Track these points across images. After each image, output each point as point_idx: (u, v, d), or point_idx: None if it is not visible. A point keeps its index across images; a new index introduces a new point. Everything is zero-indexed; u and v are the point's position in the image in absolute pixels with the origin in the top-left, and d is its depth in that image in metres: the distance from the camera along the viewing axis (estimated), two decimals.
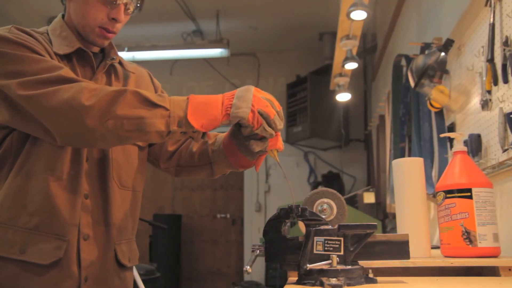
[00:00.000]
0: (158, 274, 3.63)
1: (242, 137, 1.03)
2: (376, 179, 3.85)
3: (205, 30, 4.95)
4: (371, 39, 4.81)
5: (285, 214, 0.88)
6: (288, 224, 0.91)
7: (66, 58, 1.10)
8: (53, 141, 0.98)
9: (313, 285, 0.80)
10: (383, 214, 3.57)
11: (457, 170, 1.12)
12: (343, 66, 3.17)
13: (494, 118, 1.47)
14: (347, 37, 2.90)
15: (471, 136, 1.58)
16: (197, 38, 5.01)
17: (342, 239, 0.84)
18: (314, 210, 0.97)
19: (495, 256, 1.06)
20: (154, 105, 0.94)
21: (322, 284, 0.78)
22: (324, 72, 4.77)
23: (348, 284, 0.79)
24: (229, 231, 5.63)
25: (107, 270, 1.09)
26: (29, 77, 0.96)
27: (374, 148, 4.13)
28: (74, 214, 1.04)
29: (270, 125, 0.97)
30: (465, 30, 1.77)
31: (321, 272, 0.80)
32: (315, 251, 0.84)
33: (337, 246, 0.84)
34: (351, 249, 0.83)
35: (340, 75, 3.58)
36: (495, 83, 1.45)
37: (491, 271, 1.00)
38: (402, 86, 2.59)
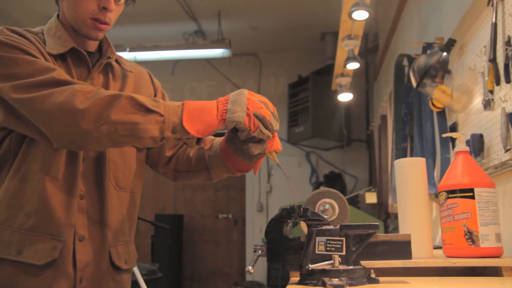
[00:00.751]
0: (160, 274, 3.63)
1: (239, 141, 1.03)
2: (378, 179, 3.84)
3: (207, 30, 4.96)
4: (373, 39, 4.80)
5: (287, 214, 0.87)
6: (290, 224, 0.91)
7: (61, 58, 1.09)
8: (49, 144, 0.98)
9: (315, 285, 0.80)
10: (385, 214, 3.56)
11: (459, 170, 1.11)
12: (345, 66, 3.17)
13: (496, 118, 1.46)
14: (349, 37, 2.90)
15: (473, 136, 1.58)
16: (199, 38, 5.01)
17: (344, 239, 0.84)
18: (316, 210, 0.97)
19: (498, 256, 1.06)
20: (149, 111, 0.94)
21: (324, 284, 0.78)
22: (326, 72, 4.76)
23: (350, 284, 0.79)
24: (231, 231, 5.63)
25: (102, 272, 1.09)
26: (22, 80, 0.95)
27: (376, 148, 4.12)
28: (70, 215, 1.04)
29: (266, 127, 0.98)
30: (467, 30, 1.77)
31: (323, 272, 0.80)
32: (317, 251, 0.84)
33: (339, 246, 0.84)
34: (353, 249, 0.83)
35: (342, 75, 3.58)
36: (497, 83, 1.45)
37: (494, 271, 1.00)
38: (404, 86, 2.59)
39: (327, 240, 0.84)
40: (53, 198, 1.02)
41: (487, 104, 1.52)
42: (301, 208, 0.86)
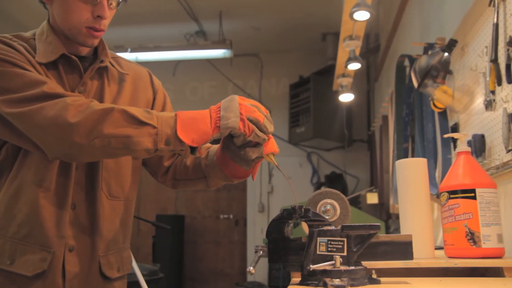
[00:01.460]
0: (161, 274, 3.63)
1: (235, 147, 1.02)
2: (379, 179, 3.84)
3: (208, 31, 4.96)
4: (374, 40, 4.80)
5: (288, 215, 0.87)
6: (291, 225, 0.91)
7: (52, 65, 1.07)
8: (43, 155, 0.97)
9: (317, 285, 0.80)
10: (387, 215, 3.56)
11: (460, 171, 1.11)
12: (346, 66, 3.17)
13: (498, 118, 1.46)
14: (350, 37, 2.90)
15: (474, 136, 1.57)
16: (200, 39, 5.02)
17: (345, 239, 0.84)
18: (317, 211, 0.97)
19: (499, 257, 1.06)
20: (142, 123, 0.94)
21: (325, 284, 0.78)
22: (327, 72, 4.76)
23: (352, 285, 0.79)
24: (232, 231, 5.63)
25: (91, 283, 1.08)
26: (12, 94, 0.95)
27: (377, 148, 4.12)
28: (61, 226, 1.03)
29: (261, 130, 0.97)
30: (469, 30, 1.77)
31: (324, 272, 0.80)
32: (318, 252, 0.84)
33: (340, 246, 0.83)
34: (354, 249, 0.83)
35: (343, 75, 3.58)
36: (499, 83, 1.45)
37: (496, 272, 1.00)
38: (405, 86, 2.58)
39: (328, 240, 0.84)
40: (44, 209, 1.02)
41: (489, 105, 1.51)
42: (302, 209, 0.86)
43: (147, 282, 2.74)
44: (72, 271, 1.04)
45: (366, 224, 0.83)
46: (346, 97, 3.83)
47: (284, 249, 0.87)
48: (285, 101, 5.39)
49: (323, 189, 1.02)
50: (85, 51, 1.14)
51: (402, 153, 2.64)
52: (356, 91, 4.00)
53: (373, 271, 0.85)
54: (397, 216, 3.18)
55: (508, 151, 1.37)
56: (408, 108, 2.53)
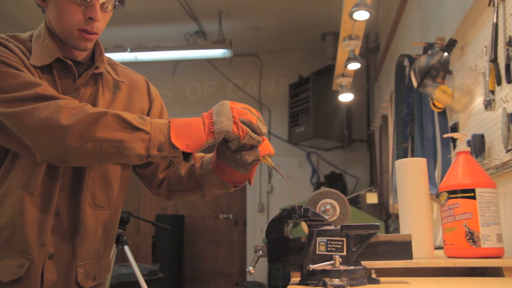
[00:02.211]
0: (161, 274, 3.63)
1: (231, 153, 1.02)
2: (379, 179, 3.84)
3: (208, 31, 4.96)
4: (374, 39, 4.80)
5: (288, 214, 0.87)
6: (291, 224, 0.91)
7: (46, 69, 1.06)
8: (33, 158, 0.96)
9: (316, 285, 0.80)
10: (386, 215, 3.56)
11: (460, 171, 1.11)
12: (345, 66, 3.17)
13: (497, 118, 1.46)
14: (350, 37, 2.90)
15: (474, 136, 1.57)
16: (200, 39, 5.02)
17: (344, 239, 0.84)
18: (317, 211, 0.97)
19: (499, 257, 1.06)
20: (135, 128, 0.93)
21: (325, 284, 0.78)
22: (327, 72, 4.76)
23: (351, 285, 0.79)
24: (232, 231, 5.63)
25: None
26: (6, 94, 0.94)
27: (377, 148, 4.12)
28: (42, 233, 1.02)
29: (255, 131, 0.97)
30: (468, 30, 1.77)
31: (324, 272, 0.80)
32: (317, 252, 0.84)
33: (340, 246, 0.83)
34: (354, 249, 0.83)
35: (343, 75, 3.58)
36: (499, 83, 1.45)
37: (495, 272, 1.00)
38: (405, 86, 2.59)
39: (327, 240, 0.84)
40: (27, 214, 1.01)
41: (488, 105, 1.51)
42: (302, 209, 0.86)
43: (146, 282, 2.74)
44: (50, 279, 1.03)
45: (365, 224, 0.83)
46: (346, 97, 3.83)
47: (283, 249, 0.87)
48: (285, 101, 5.39)
49: (323, 189, 1.02)
50: (81, 55, 1.12)
51: (402, 153, 2.65)
52: (355, 91, 4.00)
53: (373, 271, 0.85)
54: (396, 216, 3.18)
55: (508, 151, 1.37)
56: (407, 108, 2.53)
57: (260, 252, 0.89)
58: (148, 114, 1.22)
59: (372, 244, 0.85)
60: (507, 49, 1.38)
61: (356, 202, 3.88)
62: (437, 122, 2.09)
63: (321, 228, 0.85)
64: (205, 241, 5.65)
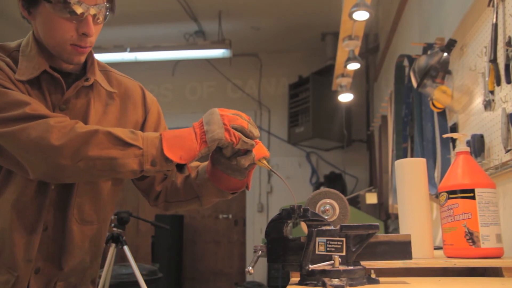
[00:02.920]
0: (161, 274, 3.63)
1: (226, 160, 1.01)
2: (379, 179, 3.84)
3: (207, 31, 4.96)
4: (373, 40, 4.80)
5: (287, 214, 0.87)
6: (290, 224, 0.91)
7: (34, 81, 1.02)
8: (26, 175, 0.96)
9: (315, 285, 0.80)
10: (386, 215, 3.56)
11: (460, 171, 1.11)
12: (345, 66, 3.17)
13: (497, 118, 1.46)
14: (349, 37, 2.90)
15: (474, 136, 1.57)
16: (199, 39, 5.01)
17: (344, 239, 0.84)
18: (316, 211, 0.97)
19: (498, 257, 1.06)
20: (127, 145, 0.93)
21: (324, 284, 0.78)
22: (326, 72, 4.76)
23: (350, 285, 0.79)
24: (231, 231, 5.63)
25: None
26: None
27: (377, 148, 4.12)
28: (30, 249, 1.02)
29: (247, 136, 0.96)
30: (468, 30, 1.77)
31: (323, 272, 0.80)
32: (317, 252, 0.84)
33: (339, 246, 0.83)
34: (353, 249, 0.83)
35: (342, 75, 3.58)
36: (498, 83, 1.45)
37: (494, 272, 1.00)
38: (404, 86, 2.59)
39: (327, 240, 0.84)
40: (16, 232, 1.01)
41: (488, 105, 1.51)
42: (301, 209, 0.86)
43: (146, 282, 2.74)
44: None
45: (365, 224, 0.83)
46: (345, 97, 3.83)
47: (283, 249, 0.87)
48: (284, 101, 5.38)
49: (322, 189, 1.02)
50: (70, 66, 1.09)
51: (401, 153, 2.65)
52: (355, 91, 4.00)
53: (372, 271, 0.85)
54: (396, 216, 3.18)
55: (507, 151, 1.37)
56: (407, 108, 2.53)
57: (260, 252, 0.89)
58: (143, 125, 1.19)
59: (372, 244, 0.85)
60: (507, 50, 1.38)
61: (355, 202, 3.88)
62: (437, 122, 2.09)
63: (320, 228, 0.85)
64: (205, 241, 5.65)
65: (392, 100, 2.96)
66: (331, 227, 0.85)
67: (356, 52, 3.11)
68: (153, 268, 3.60)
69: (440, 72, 1.85)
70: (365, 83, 5.21)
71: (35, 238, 1.02)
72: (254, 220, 5.32)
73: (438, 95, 1.89)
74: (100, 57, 5.15)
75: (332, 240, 0.84)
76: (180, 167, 0.98)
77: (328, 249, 0.84)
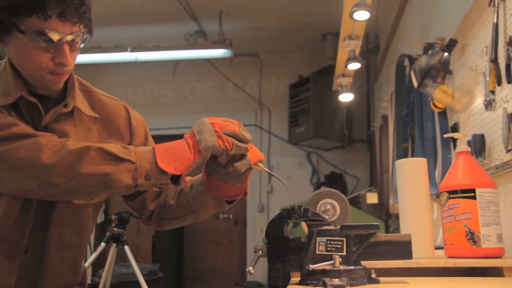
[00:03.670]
0: (161, 274, 3.63)
1: (222, 168, 1.00)
2: (379, 179, 3.84)
3: (208, 31, 4.96)
4: (374, 39, 4.80)
5: (287, 214, 0.87)
6: (291, 224, 0.91)
7: (13, 105, 0.99)
8: (19, 194, 0.95)
9: (316, 285, 0.80)
10: (386, 215, 3.56)
11: (460, 171, 1.11)
12: (346, 66, 3.17)
13: (497, 118, 1.46)
14: (350, 37, 2.89)
15: (474, 136, 1.57)
16: (200, 39, 5.01)
17: (344, 239, 0.84)
18: (317, 211, 0.97)
19: (499, 257, 1.06)
20: (120, 159, 0.92)
21: (324, 284, 0.78)
22: (327, 72, 4.76)
23: (351, 285, 0.79)
24: (232, 231, 5.63)
25: None
26: None
27: (377, 148, 4.12)
28: (10, 275, 1.01)
29: (240, 140, 0.96)
30: (469, 30, 1.77)
31: (324, 272, 0.80)
32: (317, 252, 0.84)
33: (340, 246, 0.83)
34: (354, 249, 0.83)
35: (343, 75, 3.57)
36: (499, 83, 1.45)
37: (495, 272, 1.00)
38: (405, 86, 2.58)
39: (327, 240, 0.84)
40: None
41: (489, 105, 1.51)
42: (301, 209, 0.86)
43: (146, 282, 2.74)
44: None
45: (365, 223, 0.83)
46: (346, 97, 3.83)
47: (283, 249, 0.87)
48: (285, 101, 5.38)
49: (323, 189, 1.01)
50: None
51: (402, 153, 2.64)
52: (356, 91, 4.00)
53: (372, 271, 0.85)
54: (397, 216, 3.18)
55: (508, 151, 1.36)
56: (408, 108, 2.53)
57: (260, 252, 0.89)
58: (129, 144, 1.16)
59: (372, 244, 0.85)
60: (508, 49, 1.38)
61: (356, 202, 3.88)
62: (437, 122, 2.09)
63: (320, 228, 0.85)
64: (205, 241, 5.65)
65: (393, 100, 2.96)
66: (332, 227, 0.85)
67: (357, 52, 3.10)
68: (153, 268, 3.60)
69: (440, 72, 1.85)
70: (365, 83, 5.21)
71: (16, 261, 1.02)
72: (255, 220, 5.32)
73: (439, 95, 1.88)
74: (100, 57, 5.15)
75: (333, 240, 0.84)
76: (175, 180, 0.97)
77: (328, 249, 0.83)
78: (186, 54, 4.77)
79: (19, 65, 0.99)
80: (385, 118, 3.67)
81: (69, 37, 0.94)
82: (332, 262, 0.81)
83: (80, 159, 0.90)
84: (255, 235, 5.27)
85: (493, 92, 1.50)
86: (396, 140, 2.76)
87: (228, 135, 0.95)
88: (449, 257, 1.09)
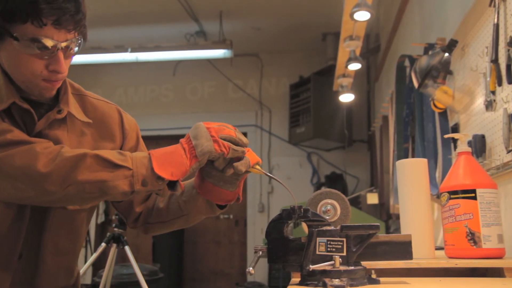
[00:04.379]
0: (161, 274, 3.63)
1: (217, 172, 1.00)
2: (380, 180, 3.84)
3: (208, 31, 4.96)
4: (375, 40, 4.80)
5: (287, 215, 0.87)
6: (291, 225, 0.91)
7: (6, 112, 0.97)
8: (14, 200, 0.95)
9: (316, 285, 0.79)
10: (387, 215, 3.56)
11: (461, 171, 1.11)
12: (346, 66, 3.17)
13: (498, 118, 1.46)
14: (350, 37, 2.89)
15: (475, 136, 1.57)
16: (200, 39, 5.02)
17: (344, 240, 0.83)
18: (318, 211, 0.97)
19: (500, 257, 1.05)
20: (116, 166, 0.91)
21: (325, 285, 0.78)
22: (327, 72, 4.76)
23: (351, 285, 0.79)
24: (232, 231, 5.62)
25: None
26: None
27: (378, 148, 4.12)
28: (4, 281, 1.00)
29: (237, 144, 0.96)
30: (469, 31, 1.77)
31: (324, 273, 0.80)
32: (317, 252, 0.84)
33: (340, 247, 0.83)
34: (354, 249, 0.83)
35: (343, 75, 3.57)
36: (499, 83, 1.44)
37: (496, 272, 1.00)
38: (405, 86, 2.58)
39: (327, 240, 0.84)
40: None
41: (489, 105, 1.51)
42: (302, 209, 0.86)
43: (147, 282, 2.74)
44: None
45: (365, 224, 0.83)
46: (346, 97, 3.83)
47: (283, 249, 0.87)
48: (285, 101, 5.38)
49: (324, 189, 1.01)
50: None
51: (403, 153, 2.64)
52: (356, 91, 4.00)
53: (373, 271, 0.85)
54: (397, 217, 3.18)
55: (509, 151, 1.36)
56: (408, 108, 2.53)
57: (260, 252, 0.89)
58: (121, 147, 1.15)
59: (372, 244, 0.85)
60: (508, 50, 1.37)
61: (356, 202, 3.88)
62: (438, 123, 2.09)
63: (321, 229, 0.85)
64: (206, 241, 5.65)
65: (393, 100, 2.95)
66: (332, 227, 0.85)
67: (357, 52, 3.10)
68: (154, 268, 3.60)
69: (441, 72, 1.85)
70: (366, 83, 5.21)
71: (10, 269, 1.01)
72: (255, 221, 5.32)
73: (439, 95, 1.88)
74: (101, 57, 5.15)
75: (333, 241, 0.84)
76: (172, 186, 0.96)
77: (328, 249, 0.83)
78: (186, 55, 4.77)
79: (11, 71, 0.97)
80: (385, 118, 3.66)
81: (63, 44, 0.93)
82: (332, 262, 0.81)
83: (76, 166, 0.90)
84: (256, 235, 5.27)
85: (493, 92, 1.50)
86: (396, 141, 2.76)
87: (224, 139, 0.94)
88: (450, 257, 1.09)
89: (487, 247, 1.04)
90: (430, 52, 1.97)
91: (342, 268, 0.80)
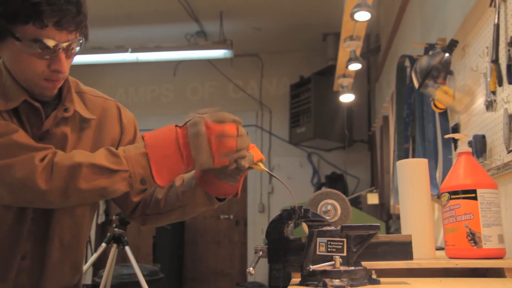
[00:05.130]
0: (162, 274, 3.63)
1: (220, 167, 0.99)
2: (380, 180, 3.84)
3: (209, 31, 4.96)
4: (375, 40, 4.80)
5: (288, 215, 0.87)
6: (291, 225, 0.91)
7: (12, 111, 0.98)
8: (13, 203, 0.96)
9: (316, 286, 0.79)
10: (387, 215, 3.56)
11: (461, 171, 1.11)
12: (346, 67, 3.17)
13: (498, 119, 1.46)
14: (351, 37, 2.89)
15: (475, 137, 1.57)
16: (201, 39, 5.02)
17: (345, 240, 0.83)
18: (318, 211, 0.97)
19: (500, 258, 1.05)
20: (113, 172, 0.92)
21: (325, 285, 0.78)
22: (328, 73, 4.76)
23: (351, 285, 0.79)
24: (233, 232, 5.62)
25: None
26: None
27: (378, 149, 4.12)
28: (7, 280, 1.01)
29: (239, 156, 0.94)
30: (470, 31, 1.76)
31: (324, 273, 0.80)
32: (318, 252, 0.83)
33: (340, 247, 0.83)
34: (354, 250, 0.83)
35: (344, 76, 3.57)
36: (500, 83, 1.44)
37: (496, 273, 1.00)
38: (406, 87, 2.58)
39: (328, 241, 0.84)
40: None
41: (490, 105, 1.51)
42: (302, 209, 0.86)
43: (147, 282, 2.74)
44: None
45: (365, 224, 0.83)
46: (347, 98, 3.83)
47: (283, 249, 0.87)
48: (286, 101, 5.38)
49: (324, 189, 1.01)
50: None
51: (403, 154, 2.64)
52: (356, 92, 4.00)
53: (373, 271, 0.85)
54: (397, 217, 3.18)
55: (509, 151, 1.36)
56: (408, 109, 2.53)
57: (261, 252, 0.89)
58: (119, 141, 1.16)
59: (372, 245, 0.84)
60: (508, 50, 1.37)
61: (357, 202, 3.88)
62: (438, 123, 2.09)
63: (321, 229, 0.85)
64: (206, 241, 5.65)
65: (394, 100, 2.95)
66: (332, 228, 0.85)
67: (358, 53, 3.10)
68: (154, 269, 3.60)
69: (441, 72, 1.85)
70: (366, 83, 5.21)
71: (12, 266, 1.02)
72: (255, 221, 5.32)
73: (440, 95, 1.88)
74: (101, 57, 5.16)
75: (333, 241, 0.84)
76: None
77: (329, 249, 0.83)
78: (187, 55, 4.77)
79: (13, 70, 0.98)
80: (386, 118, 3.66)
81: (65, 44, 0.94)
82: (332, 262, 0.81)
83: (74, 177, 0.90)
84: (256, 235, 5.27)
85: (494, 92, 1.50)
86: (397, 141, 2.76)
87: (225, 155, 0.93)
88: (450, 257, 1.09)
89: (487, 247, 1.04)
90: (430, 52, 1.97)
91: (343, 268, 0.80)
